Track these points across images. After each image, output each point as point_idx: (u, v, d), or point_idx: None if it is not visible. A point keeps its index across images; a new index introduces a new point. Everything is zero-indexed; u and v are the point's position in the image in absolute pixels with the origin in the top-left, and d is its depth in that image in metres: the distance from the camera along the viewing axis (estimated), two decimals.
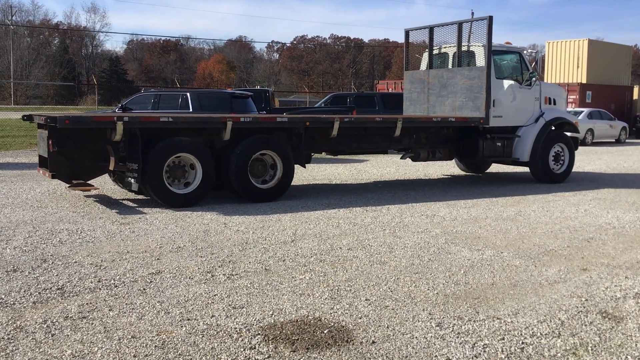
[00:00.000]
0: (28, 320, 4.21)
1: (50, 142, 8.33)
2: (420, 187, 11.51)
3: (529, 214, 8.61)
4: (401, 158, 12.19)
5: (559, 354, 3.83)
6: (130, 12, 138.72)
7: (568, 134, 12.84)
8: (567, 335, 4.12)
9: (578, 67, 31.19)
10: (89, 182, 9.08)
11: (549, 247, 6.64)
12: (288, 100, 52.98)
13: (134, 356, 3.68)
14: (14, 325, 4.12)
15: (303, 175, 12.80)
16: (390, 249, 6.40)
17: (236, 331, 4.09)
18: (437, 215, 8.45)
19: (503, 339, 4.04)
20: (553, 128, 12.46)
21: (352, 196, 10.11)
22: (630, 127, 30.11)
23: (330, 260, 5.92)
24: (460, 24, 11.74)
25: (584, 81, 30.52)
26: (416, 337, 4.04)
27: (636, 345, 3.99)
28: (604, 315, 4.54)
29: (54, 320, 4.21)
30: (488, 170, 14.36)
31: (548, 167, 12.19)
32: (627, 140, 28.40)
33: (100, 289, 4.93)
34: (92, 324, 4.17)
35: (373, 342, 3.95)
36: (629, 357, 3.81)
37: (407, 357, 3.75)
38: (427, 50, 12.59)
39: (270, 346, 3.86)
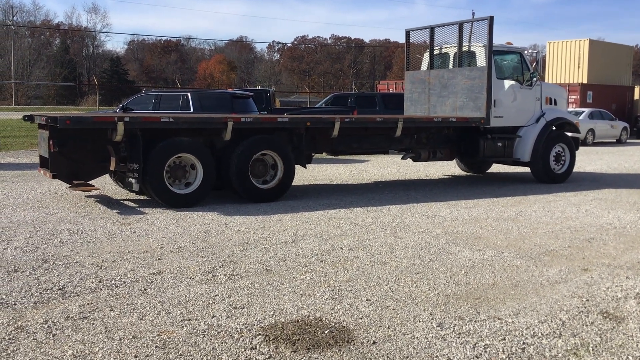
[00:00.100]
0: (29, 321, 4.21)
1: (51, 142, 8.34)
2: (421, 187, 11.51)
3: (529, 214, 8.61)
4: (402, 158, 12.20)
5: (560, 354, 3.82)
6: (131, 13, 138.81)
7: (569, 134, 12.84)
8: (568, 336, 4.12)
9: (579, 67, 31.19)
10: (89, 182, 9.08)
11: (550, 247, 6.64)
12: (289, 101, 52.99)
13: (135, 356, 3.68)
14: (15, 325, 4.13)
15: (304, 175, 12.80)
16: (391, 249, 6.40)
17: (237, 331, 4.09)
18: (438, 215, 8.45)
19: (504, 339, 4.04)
20: (554, 128, 12.46)
21: (353, 196, 10.11)
22: (631, 127, 30.10)
23: (331, 261, 5.92)
24: (461, 24, 11.74)
25: (585, 81, 30.52)
26: (417, 338, 4.04)
27: (637, 345, 3.99)
28: (605, 315, 4.53)
29: (55, 321, 4.21)
30: (489, 171, 14.36)
31: (549, 167, 12.18)
32: (628, 141, 28.39)
33: (101, 289, 4.93)
34: (93, 324, 4.17)
35: (374, 342, 3.95)
36: (630, 357, 3.81)
37: (408, 357, 3.75)
38: (428, 50, 12.59)
39: (271, 346, 3.86)
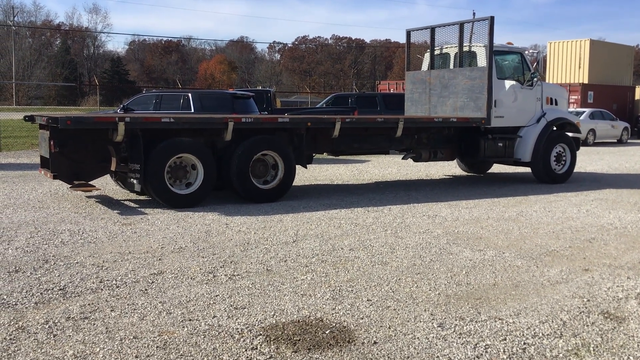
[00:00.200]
0: (30, 321, 4.21)
1: (51, 142, 8.34)
2: (421, 187, 11.51)
3: (530, 215, 8.60)
4: (403, 158, 12.20)
5: (561, 355, 3.82)
6: (131, 13, 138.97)
7: (570, 134, 12.83)
8: (569, 336, 4.12)
9: (580, 67, 31.17)
10: (90, 182, 9.09)
11: (551, 247, 6.63)
12: (290, 101, 53.03)
13: (136, 357, 3.68)
14: (16, 325, 4.13)
15: (304, 175, 12.80)
16: (392, 250, 6.40)
17: (238, 332, 4.09)
18: (438, 215, 8.45)
19: (505, 339, 4.04)
20: (555, 128, 12.46)
21: (353, 197, 10.11)
22: (632, 128, 30.08)
23: (332, 261, 5.92)
24: (461, 25, 11.74)
25: (586, 81, 30.50)
26: (418, 338, 4.04)
27: (638, 345, 3.99)
28: (606, 315, 4.53)
29: (56, 321, 4.21)
30: (489, 171, 14.35)
31: (550, 167, 12.18)
32: (629, 141, 28.38)
33: (102, 289, 4.93)
34: (94, 324, 4.18)
35: (375, 342, 3.95)
36: (631, 357, 3.81)
37: (408, 357, 3.75)
38: (428, 50, 12.59)
39: (272, 347, 3.86)
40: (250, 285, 5.09)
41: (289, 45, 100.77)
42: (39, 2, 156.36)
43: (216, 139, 9.21)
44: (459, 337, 4.05)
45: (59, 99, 67.46)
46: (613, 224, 8.03)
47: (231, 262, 5.82)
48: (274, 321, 4.30)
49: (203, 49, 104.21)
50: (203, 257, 5.98)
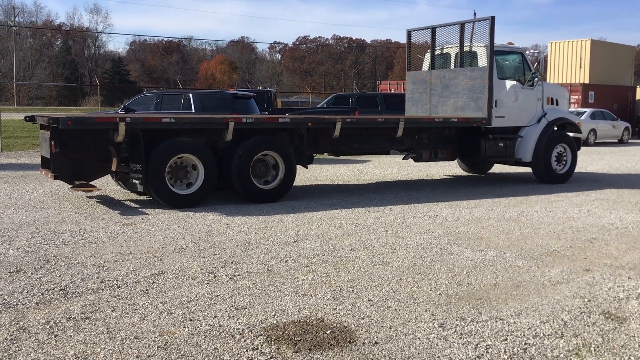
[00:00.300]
0: (31, 321, 4.22)
1: (52, 143, 8.35)
2: (422, 187, 11.51)
3: (531, 215, 8.60)
4: (403, 159, 12.20)
5: (562, 355, 3.82)
6: (132, 13, 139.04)
7: (570, 134, 12.83)
8: (570, 336, 4.12)
9: (580, 67, 31.16)
10: (91, 182, 9.09)
11: (552, 247, 6.63)
12: (290, 101, 53.04)
13: (137, 357, 3.68)
14: (17, 325, 4.13)
15: (305, 175, 12.80)
16: (392, 250, 6.40)
17: (239, 332, 4.09)
18: (439, 215, 8.45)
19: (506, 339, 4.04)
20: (555, 128, 12.45)
21: (354, 197, 10.11)
22: (633, 128, 30.07)
23: (333, 261, 5.92)
24: (462, 25, 11.74)
25: (587, 81, 30.49)
26: (419, 338, 4.03)
27: (639, 345, 3.98)
28: (606, 315, 4.53)
29: (57, 321, 4.22)
30: (490, 171, 14.35)
31: (550, 167, 12.18)
32: (629, 141, 28.37)
33: (103, 289, 4.94)
34: (95, 324, 4.18)
35: (375, 342, 3.95)
36: (632, 357, 3.80)
37: (409, 357, 3.75)
38: (429, 50, 12.59)
39: (273, 347, 3.86)
40: (251, 286, 5.09)
41: (290, 45, 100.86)
42: (40, 3, 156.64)
43: (217, 139, 9.21)
44: (460, 338, 4.05)
45: (60, 100, 67.50)
46: (614, 224, 8.02)
47: (232, 262, 5.82)
48: (275, 321, 4.30)
49: (204, 49, 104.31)
50: (204, 257, 5.99)
